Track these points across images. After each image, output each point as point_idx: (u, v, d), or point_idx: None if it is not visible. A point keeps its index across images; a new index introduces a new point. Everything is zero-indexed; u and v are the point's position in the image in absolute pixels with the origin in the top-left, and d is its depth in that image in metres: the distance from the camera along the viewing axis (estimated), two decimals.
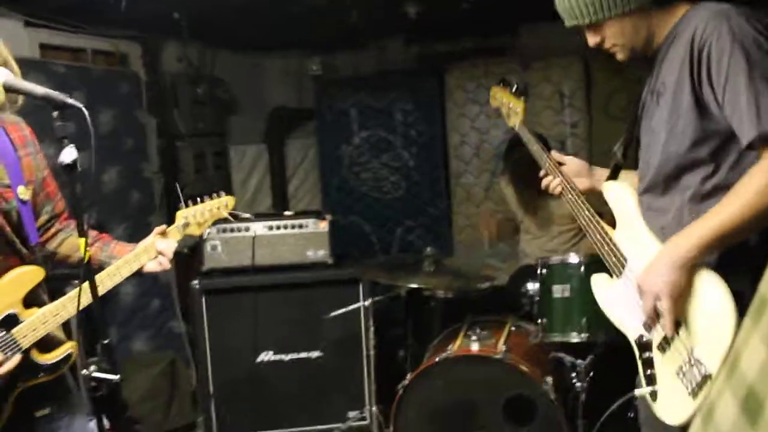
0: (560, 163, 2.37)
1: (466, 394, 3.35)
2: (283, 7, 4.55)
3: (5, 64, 2.00)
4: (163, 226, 2.28)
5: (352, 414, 4.05)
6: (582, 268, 3.27)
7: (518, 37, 5.70)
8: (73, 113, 1.83)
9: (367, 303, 3.81)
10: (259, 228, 4.07)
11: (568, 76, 5.54)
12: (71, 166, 1.81)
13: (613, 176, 2.22)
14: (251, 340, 4.02)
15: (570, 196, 2.27)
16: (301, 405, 4.05)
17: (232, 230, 4.06)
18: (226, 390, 4.04)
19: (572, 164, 2.36)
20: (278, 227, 4.09)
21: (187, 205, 2.37)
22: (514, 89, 2.60)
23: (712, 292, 1.71)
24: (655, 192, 1.95)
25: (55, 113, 1.82)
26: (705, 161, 1.80)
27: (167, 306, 4.85)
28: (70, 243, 2.26)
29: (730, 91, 1.69)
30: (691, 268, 1.75)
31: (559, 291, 3.33)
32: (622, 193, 2.08)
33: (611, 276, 2.12)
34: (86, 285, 1.95)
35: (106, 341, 1.93)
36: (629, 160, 2.28)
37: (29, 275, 2.02)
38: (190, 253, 4.39)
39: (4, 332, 2.00)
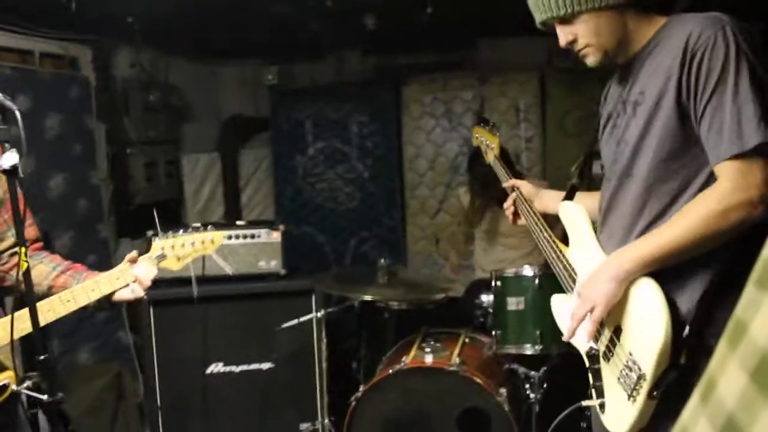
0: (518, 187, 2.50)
1: (420, 407, 3.32)
2: (240, 15, 4.50)
3: None
4: (134, 253, 2.14)
5: (303, 426, 3.98)
6: (536, 281, 3.29)
7: (476, 52, 5.73)
8: (15, 117, 1.77)
9: (319, 314, 3.76)
10: None
11: (524, 91, 5.59)
12: (11, 172, 1.76)
13: (569, 197, 2.24)
14: (201, 352, 3.93)
15: (531, 220, 2.34)
16: (252, 417, 3.97)
17: None
18: (175, 402, 3.94)
19: (524, 188, 2.46)
20: (230, 237, 4.01)
21: (166, 235, 2.18)
22: (490, 127, 2.78)
23: (645, 294, 1.72)
24: (620, 206, 1.90)
25: None
26: (678, 176, 1.75)
27: (114, 317, 4.73)
28: (38, 270, 2.13)
29: (711, 107, 1.64)
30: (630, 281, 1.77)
31: (513, 303, 3.34)
32: (575, 213, 2.10)
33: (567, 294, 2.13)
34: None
35: (42, 357, 1.83)
36: (585, 179, 2.32)
37: None
38: None
39: None
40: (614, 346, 1.83)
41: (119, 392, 4.24)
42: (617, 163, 1.90)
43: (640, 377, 1.69)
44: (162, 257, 2.16)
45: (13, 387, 1.96)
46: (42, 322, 1.93)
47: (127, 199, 5.06)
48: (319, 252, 5.76)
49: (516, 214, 2.49)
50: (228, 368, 3.96)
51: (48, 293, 2.08)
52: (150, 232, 3.94)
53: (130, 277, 2.08)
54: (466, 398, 3.26)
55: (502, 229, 4.20)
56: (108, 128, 5.02)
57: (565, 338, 2.00)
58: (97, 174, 4.87)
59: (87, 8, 3.84)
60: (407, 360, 3.39)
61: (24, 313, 1.94)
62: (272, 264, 3.98)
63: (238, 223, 4.31)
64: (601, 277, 1.79)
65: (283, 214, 5.67)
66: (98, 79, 4.96)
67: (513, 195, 2.47)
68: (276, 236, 4.02)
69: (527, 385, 3.33)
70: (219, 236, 2.23)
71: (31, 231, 2.19)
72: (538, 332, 3.22)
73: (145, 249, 3.98)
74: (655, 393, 1.68)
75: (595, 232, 2.04)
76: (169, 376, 3.92)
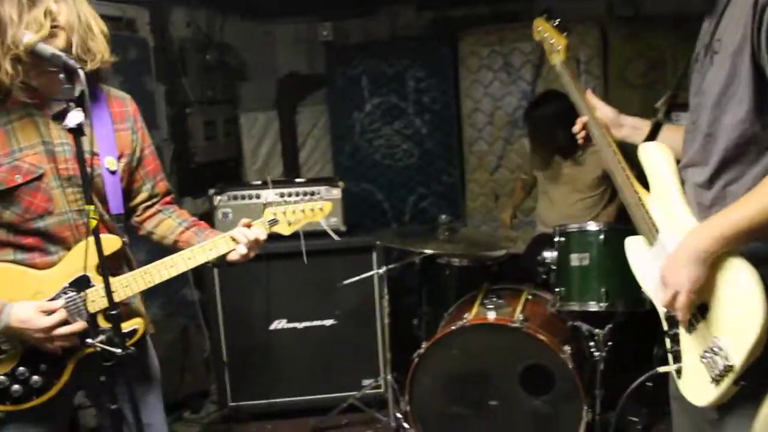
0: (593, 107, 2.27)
1: (483, 364, 3.32)
2: None
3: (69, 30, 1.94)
4: (248, 219, 2.23)
5: (366, 382, 4.04)
6: (601, 236, 3.23)
7: (534, 3, 5.57)
8: (79, 77, 1.79)
9: (381, 271, 3.77)
10: (270, 195, 4.03)
11: (584, 43, 5.43)
12: (76, 130, 1.79)
13: (652, 136, 2.09)
14: (264, 308, 4.01)
15: (607, 152, 2.14)
16: (315, 373, 4.04)
17: (243, 197, 4.05)
18: (240, 358, 4.04)
19: (602, 110, 2.25)
20: (290, 194, 4.04)
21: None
22: (556, 23, 2.44)
23: (741, 281, 1.61)
24: (700, 164, 1.77)
25: (62, 76, 1.80)
26: (761, 140, 1.62)
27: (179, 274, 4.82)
28: (167, 225, 2.29)
29: None
30: (715, 259, 1.65)
31: (577, 259, 3.29)
32: (659, 157, 1.94)
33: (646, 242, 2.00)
34: (162, 262, 2.11)
35: (114, 312, 1.92)
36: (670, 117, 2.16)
37: (106, 242, 1.99)
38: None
39: (74, 293, 2.03)
40: (697, 321, 1.74)
41: (186, 347, 4.35)
42: (698, 115, 1.77)
43: (728, 368, 1.61)
44: (274, 222, 2.26)
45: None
46: (167, 277, 2.11)
47: (188, 159, 5.11)
48: (378, 209, 5.75)
49: (587, 139, 2.27)
50: (291, 324, 4.03)
51: (174, 247, 2.25)
52: (211, 191, 4.08)
53: (234, 242, 2.18)
54: (529, 355, 3.25)
55: (566, 182, 4.12)
56: (167, 89, 5.05)
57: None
58: (158, 134, 4.93)
59: None
60: (469, 317, 3.38)
61: (152, 267, 2.11)
62: (332, 221, 3.98)
63: (298, 180, 4.34)
64: (681, 260, 1.70)
65: (341, 171, 5.65)
66: (156, 41, 4.97)
67: (584, 118, 2.24)
68: (336, 193, 4.04)
69: (591, 343, 3.29)
70: (328, 205, 2.34)
71: (162, 185, 2.32)
72: (603, 289, 3.17)
73: (208, 207, 3.99)
74: (742, 383, 1.62)
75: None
76: (234, 332, 4.02)
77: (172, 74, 5.06)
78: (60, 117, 1.98)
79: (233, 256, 2.17)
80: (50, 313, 1.97)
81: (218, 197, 4.03)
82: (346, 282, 3.76)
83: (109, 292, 1.91)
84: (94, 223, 1.85)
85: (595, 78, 5.45)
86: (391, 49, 5.72)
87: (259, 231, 2.20)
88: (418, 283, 4.08)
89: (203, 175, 5.13)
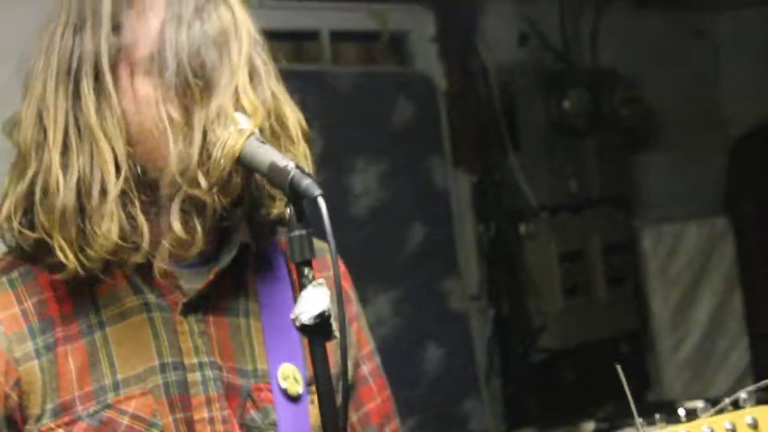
0: None
1: None
2: None
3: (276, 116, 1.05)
4: None
5: None
6: None
7: None
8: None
9: None
10: None
11: None
12: (317, 328, 0.92)
13: None
14: None
15: None
16: None
17: None
18: None
19: None
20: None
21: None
22: None
23: None
24: None
25: (288, 210, 0.99)
26: None
27: None
28: None
29: None
30: None
31: None
32: None
33: None
34: None
35: None
36: None
37: None
38: None
39: None
40: None
41: None
42: None
43: None
44: None
45: None
46: None
47: (529, 340, 3.05)
48: None
49: None
50: None
51: None
52: (589, 426, 2.44)
53: None
54: None
55: None
56: (476, 182, 3.39)
57: None
58: (458, 287, 3.32)
59: None
60: None
61: None
62: None
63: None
64: None
65: None
66: (451, 78, 3.39)
67: None
68: None
69: None
70: (764, 413, 1.11)
71: None
72: None
73: None
74: None
75: None
76: None
77: (486, 150, 2.84)
78: (201, 306, 1.08)
79: None
80: None
81: None
82: None
83: None
84: None
85: None
86: None
87: None
88: None
89: (561, 374, 2.98)
